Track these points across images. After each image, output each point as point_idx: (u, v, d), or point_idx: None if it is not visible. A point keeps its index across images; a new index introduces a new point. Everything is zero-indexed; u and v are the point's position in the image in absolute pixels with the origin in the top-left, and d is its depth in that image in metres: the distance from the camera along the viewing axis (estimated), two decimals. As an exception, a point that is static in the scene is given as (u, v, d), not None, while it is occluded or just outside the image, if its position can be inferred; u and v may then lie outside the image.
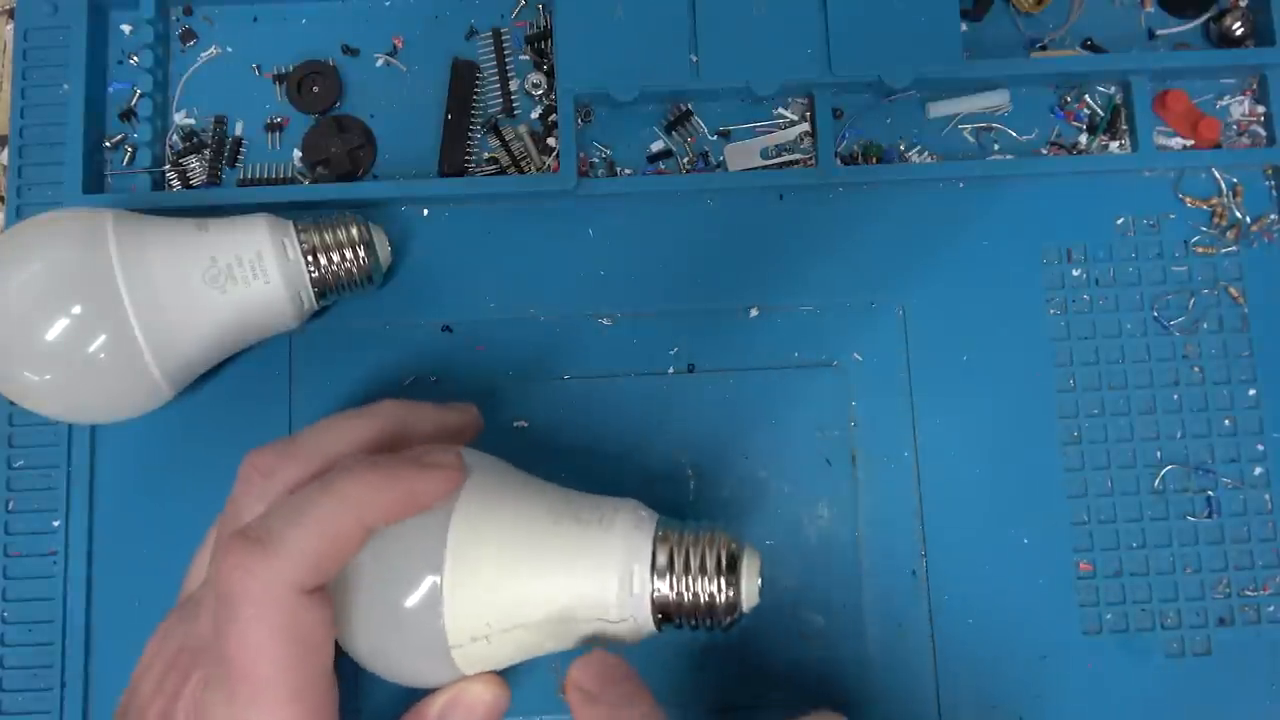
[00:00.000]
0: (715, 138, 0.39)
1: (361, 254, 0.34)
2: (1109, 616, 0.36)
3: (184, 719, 0.26)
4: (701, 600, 0.26)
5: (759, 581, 0.27)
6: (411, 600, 0.25)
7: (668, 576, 0.26)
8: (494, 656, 0.26)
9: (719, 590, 0.26)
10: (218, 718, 0.24)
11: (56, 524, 0.36)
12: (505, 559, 0.26)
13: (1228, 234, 0.38)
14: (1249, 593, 0.36)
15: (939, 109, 0.39)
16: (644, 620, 0.26)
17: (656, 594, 0.26)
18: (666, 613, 0.26)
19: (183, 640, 0.27)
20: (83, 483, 0.36)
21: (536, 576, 0.26)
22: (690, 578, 0.26)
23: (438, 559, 0.25)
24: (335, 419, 0.28)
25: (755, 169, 0.38)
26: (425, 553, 0.25)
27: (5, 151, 0.39)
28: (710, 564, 0.26)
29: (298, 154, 0.38)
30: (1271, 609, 0.36)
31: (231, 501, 0.27)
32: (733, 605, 0.26)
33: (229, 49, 0.39)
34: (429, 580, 0.25)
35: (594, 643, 0.27)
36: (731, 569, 0.26)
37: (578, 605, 0.26)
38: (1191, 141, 0.39)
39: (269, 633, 0.24)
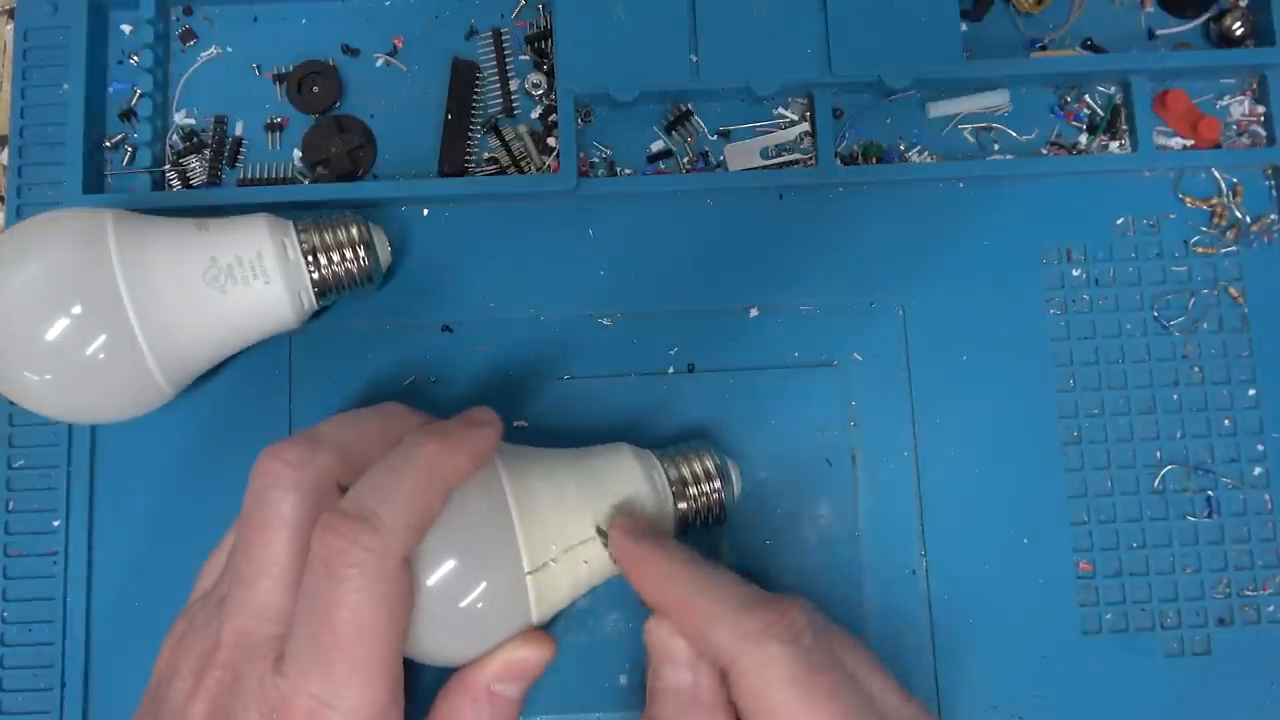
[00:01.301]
0: (715, 138, 0.39)
1: (361, 254, 0.34)
2: (1109, 616, 0.36)
3: (248, 711, 0.25)
4: (711, 503, 0.33)
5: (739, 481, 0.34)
6: (490, 539, 0.28)
7: (680, 485, 0.32)
8: (559, 583, 0.29)
9: (720, 494, 0.33)
10: (301, 698, 0.25)
11: (56, 524, 0.36)
12: (553, 491, 0.30)
13: (1228, 234, 0.38)
14: (1249, 593, 0.36)
15: (939, 109, 0.39)
16: (670, 526, 0.32)
17: (677, 511, 0.32)
18: (683, 516, 0.32)
19: (218, 636, 0.27)
20: (83, 483, 0.36)
21: (581, 496, 0.30)
22: (700, 493, 0.32)
23: (503, 501, 0.29)
24: (348, 415, 0.30)
25: (755, 169, 0.38)
26: (490, 499, 0.29)
27: (5, 151, 0.39)
28: (708, 474, 0.33)
29: (298, 154, 0.38)
30: (1271, 609, 0.36)
31: (257, 496, 0.27)
32: (727, 504, 0.33)
33: (229, 49, 0.39)
34: (502, 519, 0.28)
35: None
36: (724, 477, 0.33)
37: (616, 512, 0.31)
38: (1191, 141, 0.39)
39: (374, 603, 0.25)
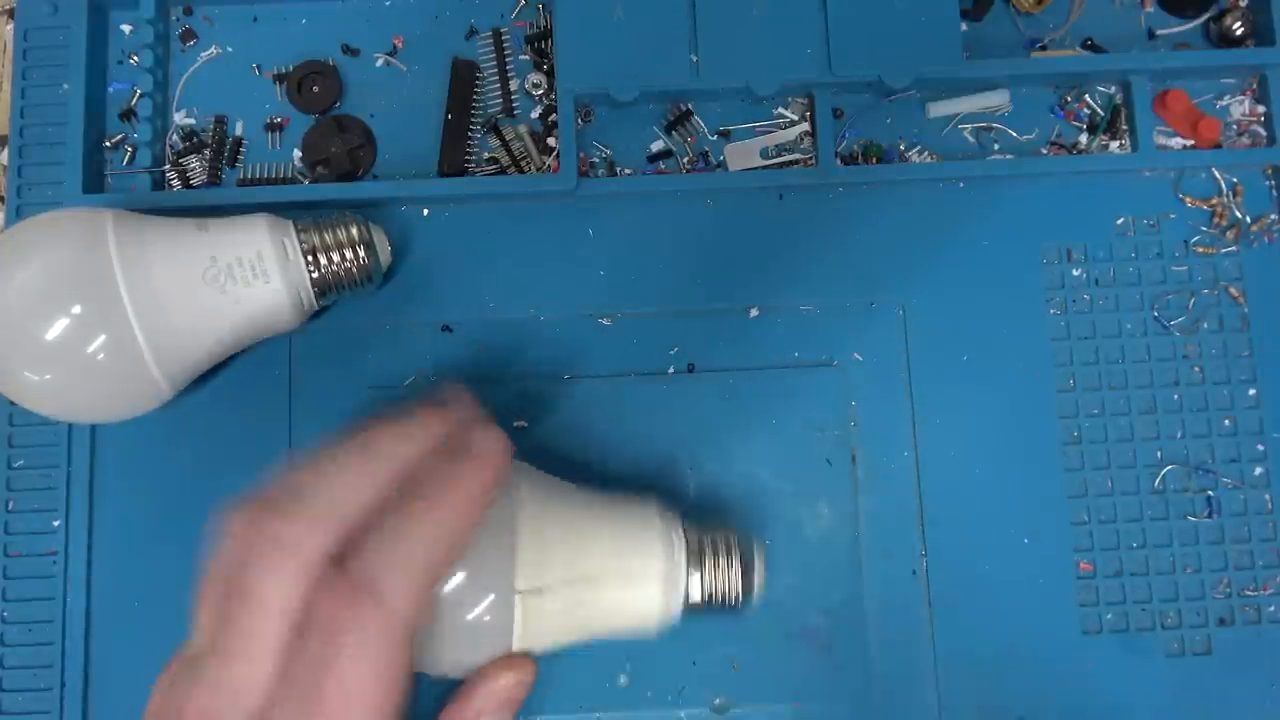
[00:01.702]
0: (715, 138, 0.39)
1: (361, 254, 0.34)
2: (1109, 616, 0.36)
3: None
4: (729, 586, 0.31)
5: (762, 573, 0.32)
6: (487, 547, 0.28)
7: (698, 558, 0.31)
8: (548, 614, 0.28)
9: (740, 579, 0.31)
10: None
11: (56, 524, 0.36)
12: (566, 522, 0.29)
13: (1228, 234, 0.38)
14: (1249, 593, 0.36)
15: (939, 109, 0.39)
16: (679, 594, 0.30)
17: (690, 584, 0.30)
18: (696, 595, 0.30)
19: (183, 708, 0.24)
20: (83, 483, 0.36)
21: (595, 538, 0.29)
22: (717, 569, 0.31)
23: (510, 515, 0.28)
24: (336, 464, 0.26)
25: (755, 169, 0.38)
26: (500, 511, 0.28)
27: (5, 151, 0.39)
28: (731, 554, 0.31)
29: (298, 154, 0.38)
30: (1271, 609, 0.36)
31: (240, 567, 0.25)
32: (749, 590, 0.31)
33: (229, 49, 0.39)
34: (504, 531, 0.28)
35: (620, 620, 0.30)
36: (746, 557, 0.31)
37: (625, 565, 0.29)
38: (1191, 141, 0.39)
39: (375, 676, 0.24)
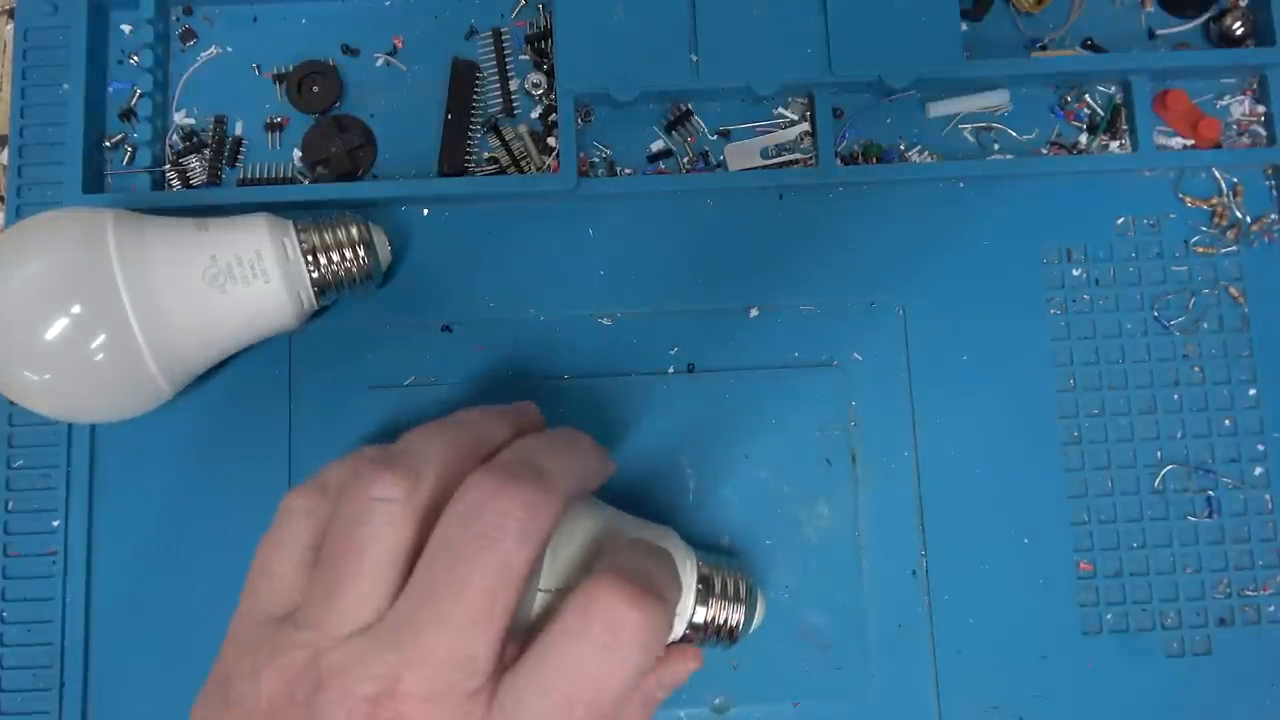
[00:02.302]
0: (715, 138, 0.39)
1: (361, 254, 0.34)
2: (1109, 616, 0.36)
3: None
4: (728, 619, 0.31)
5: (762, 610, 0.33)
6: None
7: (707, 586, 0.31)
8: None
9: (740, 616, 0.32)
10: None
11: (56, 524, 0.36)
12: (590, 530, 0.29)
13: (1228, 234, 0.38)
14: (1249, 593, 0.36)
15: (939, 109, 0.39)
16: (685, 616, 0.31)
17: (694, 613, 0.31)
18: (695, 627, 0.31)
19: (394, 686, 0.23)
20: (83, 483, 0.36)
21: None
22: (723, 601, 0.31)
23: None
24: (430, 428, 0.28)
25: (755, 169, 0.38)
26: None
27: (5, 151, 0.39)
28: (737, 591, 0.32)
29: (298, 154, 0.38)
30: (1272, 609, 0.36)
31: (352, 526, 0.25)
32: (743, 627, 0.32)
33: (229, 49, 0.39)
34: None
35: None
36: (749, 597, 0.32)
37: None
38: (1191, 141, 0.39)
39: (632, 676, 0.24)
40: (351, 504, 0.25)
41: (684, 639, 0.31)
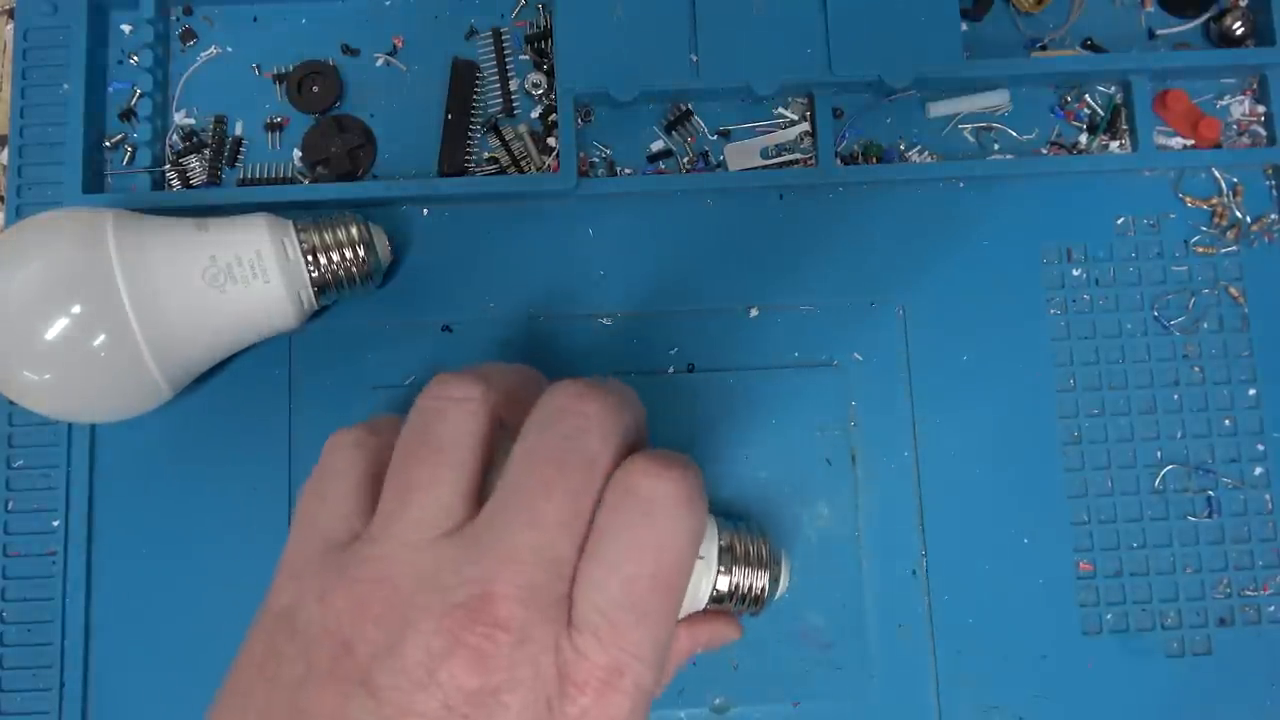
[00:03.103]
0: (715, 138, 0.39)
1: (361, 254, 0.34)
2: (1109, 616, 0.36)
3: (537, 680, 0.22)
4: (753, 587, 0.31)
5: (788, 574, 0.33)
6: None
7: (730, 553, 0.31)
8: None
9: (765, 583, 0.31)
10: (605, 657, 0.23)
11: (56, 524, 0.36)
12: None
13: (1228, 234, 0.38)
14: (1249, 593, 0.36)
15: (939, 109, 0.39)
16: (709, 581, 0.30)
17: (718, 581, 0.30)
18: (719, 595, 0.31)
19: (489, 588, 0.22)
20: (83, 483, 0.36)
21: None
22: (747, 568, 0.31)
23: None
24: (485, 364, 0.28)
25: (755, 169, 0.38)
26: None
27: (5, 151, 0.39)
28: (761, 558, 0.31)
29: (298, 154, 0.38)
30: (1272, 609, 0.36)
31: (421, 421, 0.25)
32: (769, 592, 0.31)
33: (229, 49, 0.39)
34: None
35: None
36: (774, 562, 0.31)
37: None
38: (1191, 141, 0.39)
39: (693, 544, 0.25)
40: (427, 404, 0.25)
41: (710, 607, 0.31)
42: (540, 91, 0.39)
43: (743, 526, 0.32)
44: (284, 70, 0.39)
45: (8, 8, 0.40)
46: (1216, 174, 0.38)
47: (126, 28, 0.39)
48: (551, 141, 0.38)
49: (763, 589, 0.31)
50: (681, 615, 0.31)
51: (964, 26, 0.39)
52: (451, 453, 0.24)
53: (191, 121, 0.39)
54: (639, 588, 0.23)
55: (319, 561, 0.24)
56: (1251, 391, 0.37)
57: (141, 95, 0.38)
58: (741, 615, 0.32)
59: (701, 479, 0.25)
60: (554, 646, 0.22)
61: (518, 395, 0.27)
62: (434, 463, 0.24)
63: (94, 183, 0.38)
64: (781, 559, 0.32)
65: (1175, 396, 0.37)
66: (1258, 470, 0.37)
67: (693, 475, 0.25)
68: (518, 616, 0.22)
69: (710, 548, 0.30)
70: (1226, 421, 0.37)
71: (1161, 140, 0.39)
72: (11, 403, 0.33)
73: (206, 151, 0.38)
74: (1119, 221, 0.38)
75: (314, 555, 0.24)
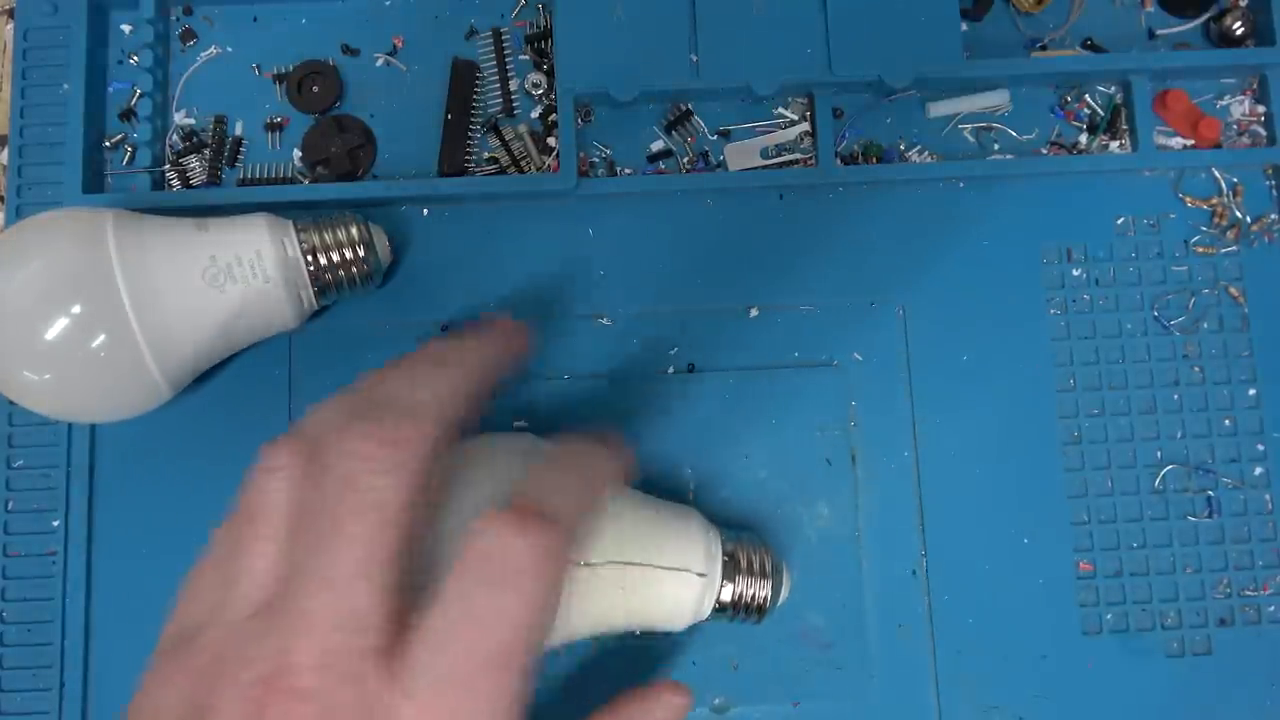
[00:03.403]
0: (715, 138, 0.39)
1: (361, 254, 0.34)
2: (1109, 616, 0.36)
3: None
4: (755, 596, 0.32)
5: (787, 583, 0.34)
6: None
7: (734, 563, 0.32)
8: (592, 586, 0.29)
9: (767, 592, 0.32)
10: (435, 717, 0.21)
11: (56, 524, 0.36)
12: (614, 509, 0.29)
13: (1228, 234, 0.38)
14: (1249, 593, 0.36)
15: (939, 109, 0.39)
16: (713, 594, 0.31)
17: (722, 591, 0.31)
18: (723, 605, 0.32)
19: (285, 659, 0.21)
20: (83, 483, 0.36)
21: (641, 527, 0.30)
22: (750, 577, 0.32)
23: None
24: (424, 368, 0.26)
25: (755, 169, 0.38)
26: None
27: (5, 151, 0.39)
28: (763, 567, 0.32)
29: (298, 154, 0.38)
30: (1272, 609, 0.36)
31: (345, 483, 0.23)
32: (771, 601, 0.32)
33: (229, 49, 0.39)
34: None
35: (656, 611, 0.30)
36: (775, 571, 0.32)
37: (669, 557, 0.30)
38: (1191, 141, 0.39)
39: (540, 617, 0.22)
40: (250, 475, 0.24)
41: (713, 616, 0.32)
42: (540, 91, 0.39)
43: (745, 536, 0.33)
44: (284, 70, 0.39)
45: (8, 8, 0.40)
46: (1216, 174, 0.38)
47: (126, 28, 0.39)
48: (551, 141, 0.38)
49: (764, 599, 0.32)
50: (681, 627, 0.31)
51: (964, 26, 0.39)
52: (263, 525, 0.23)
53: (191, 121, 0.39)
54: (470, 664, 0.21)
55: (170, 650, 0.24)
56: (1251, 391, 0.37)
57: (141, 95, 0.38)
58: (741, 623, 0.33)
59: (569, 535, 0.23)
60: (369, 709, 0.21)
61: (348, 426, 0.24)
62: (250, 536, 0.24)
63: (94, 183, 0.38)
64: (783, 569, 0.33)
65: (1175, 396, 0.37)
66: (1258, 470, 0.37)
67: (554, 535, 0.22)
68: (315, 686, 0.21)
69: (714, 565, 0.31)
70: (1226, 421, 0.37)
71: (1161, 140, 0.39)
72: (11, 403, 0.33)
73: (206, 151, 0.38)
74: (1119, 221, 0.38)
75: (166, 648, 0.24)
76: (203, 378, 0.35)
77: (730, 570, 0.31)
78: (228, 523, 0.25)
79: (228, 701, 0.21)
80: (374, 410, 0.24)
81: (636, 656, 0.35)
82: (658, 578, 0.30)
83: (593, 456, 0.26)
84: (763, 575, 0.32)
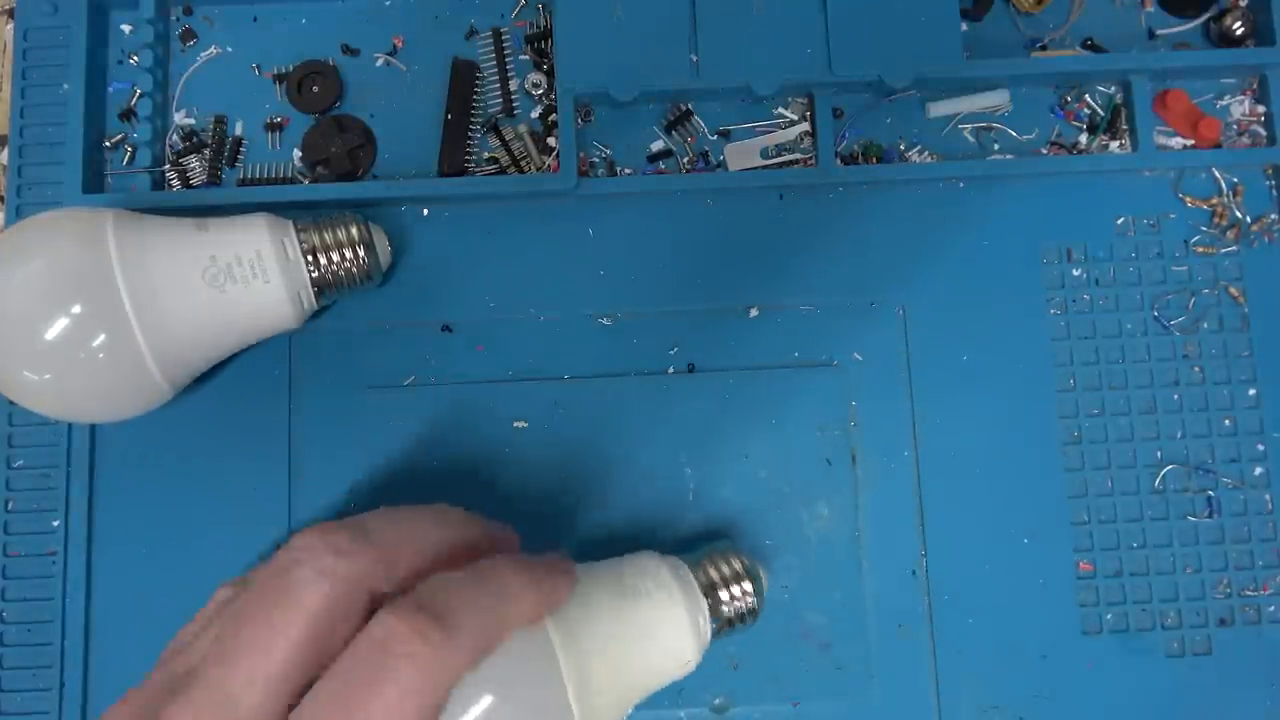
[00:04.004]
0: (715, 138, 0.39)
1: (361, 254, 0.34)
2: (1109, 616, 0.36)
3: None
4: (744, 608, 0.32)
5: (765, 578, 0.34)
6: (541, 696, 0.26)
7: (712, 591, 0.31)
8: (594, 692, 0.27)
9: (752, 598, 0.32)
10: None
11: (56, 524, 0.36)
12: (599, 645, 0.28)
13: (1228, 234, 0.38)
14: (1249, 593, 0.36)
15: (939, 109, 0.39)
16: (705, 645, 0.31)
17: (715, 628, 0.31)
18: (718, 624, 0.31)
19: (199, 713, 0.22)
20: (83, 483, 0.36)
21: (629, 657, 0.28)
22: (732, 601, 0.32)
23: (556, 669, 0.26)
24: (401, 513, 0.26)
25: (755, 169, 0.38)
26: (542, 667, 0.26)
27: (5, 151, 0.39)
28: (739, 576, 0.32)
29: (298, 154, 0.38)
30: (1271, 609, 0.36)
31: (282, 572, 0.23)
32: (760, 601, 0.32)
33: (229, 49, 0.39)
34: (557, 689, 0.26)
35: (662, 673, 0.30)
36: (754, 578, 0.32)
37: (668, 664, 0.29)
38: (1191, 141, 0.39)
39: (418, 712, 0.22)
40: (293, 556, 0.24)
41: (715, 637, 0.31)
42: (540, 91, 0.39)
43: (708, 551, 0.32)
44: (284, 70, 0.39)
45: (8, 8, 0.40)
46: (1216, 174, 0.38)
47: (126, 28, 0.39)
48: (551, 141, 0.38)
49: (752, 604, 0.32)
50: (694, 664, 0.30)
51: (964, 26, 0.39)
52: (293, 602, 0.24)
53: (191, 121, 0.39)
54: None
55: (159, 683, 0.24)
56: (1251, 391, 0.37)
57: (141, 95, 0.38)
58: (744, 629, 0.32)
59: (462, 644, 0.23)
60: None
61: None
62: (268, 610, 0.24)
63: (94, 183, 0.38)
64: (757, 567, 0.33)
65: (1175, 396, 0.37)
66: (1258, 470, 0.37)
67: (443, 634, 0.22)
68: None
69: (692, 592, 0.30)
70: (1226, 421, 0.37)
71: (1161, 140, 0.39)
72: (11, 403, 0.33)
73: (206, 151, 0.38)
74: (1119, 221, 0.38)
75: (164, 675, 0.25)
76: (203, 378, 0.35)
77: (713, 597, 0.31)
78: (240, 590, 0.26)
79: None
80: (345, 525, 0.24)
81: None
82: (649, 635, 0.29)
83: (517, 583, 0.25)
84: (740, 582, 0.31)
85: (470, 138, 0.38)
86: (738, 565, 0.32)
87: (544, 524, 0.35)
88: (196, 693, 0.22)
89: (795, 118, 0.39)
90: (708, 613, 0.31)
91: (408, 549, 0.25)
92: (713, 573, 0.31)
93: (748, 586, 0.32)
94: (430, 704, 0.22)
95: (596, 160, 0.38)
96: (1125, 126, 0.39)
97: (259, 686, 0.22)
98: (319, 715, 0.22)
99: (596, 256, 0.38)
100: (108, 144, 0.38)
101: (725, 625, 0.31)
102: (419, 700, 0.22)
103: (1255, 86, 0.39)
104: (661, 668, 0.29)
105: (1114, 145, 0.39)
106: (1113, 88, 0.39)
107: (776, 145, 0.38)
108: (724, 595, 0.31)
